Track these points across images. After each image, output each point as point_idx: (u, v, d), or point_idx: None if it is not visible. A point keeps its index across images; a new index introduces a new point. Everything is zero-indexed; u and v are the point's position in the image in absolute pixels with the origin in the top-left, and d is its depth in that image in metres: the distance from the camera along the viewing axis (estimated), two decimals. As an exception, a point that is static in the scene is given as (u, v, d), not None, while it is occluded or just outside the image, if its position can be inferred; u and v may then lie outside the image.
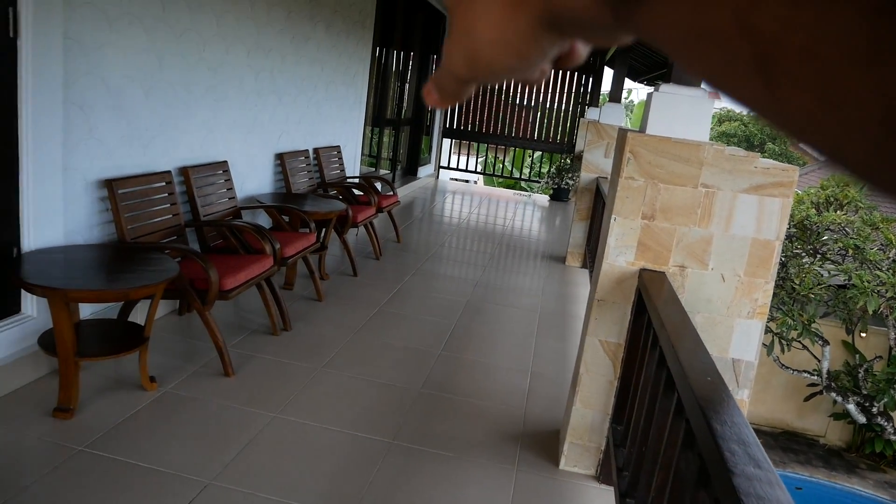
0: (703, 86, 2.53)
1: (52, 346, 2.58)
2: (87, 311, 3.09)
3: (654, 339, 2.16)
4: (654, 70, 8.76)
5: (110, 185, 3.12)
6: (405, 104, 9.91)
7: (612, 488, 2.66)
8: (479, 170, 15.83)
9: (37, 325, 2.86)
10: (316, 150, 5.86)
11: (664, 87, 2.54)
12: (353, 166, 7.12)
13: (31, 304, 2.87)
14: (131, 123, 3.34)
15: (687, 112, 2.48)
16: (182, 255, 3.21)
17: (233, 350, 3.41)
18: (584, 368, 2.70)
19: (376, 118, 8.46)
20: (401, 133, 9.88)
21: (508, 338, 4.24)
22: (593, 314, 2.65)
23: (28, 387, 2.78)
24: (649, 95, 2.55)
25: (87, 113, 3.02)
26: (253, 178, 4.80)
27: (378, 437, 2.80)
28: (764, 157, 2.40)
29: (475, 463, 2.72)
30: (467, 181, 14.89)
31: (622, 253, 2.55)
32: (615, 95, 7.30)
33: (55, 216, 2.90)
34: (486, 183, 15.65)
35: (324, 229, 4.65)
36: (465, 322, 4.38)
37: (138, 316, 3.30)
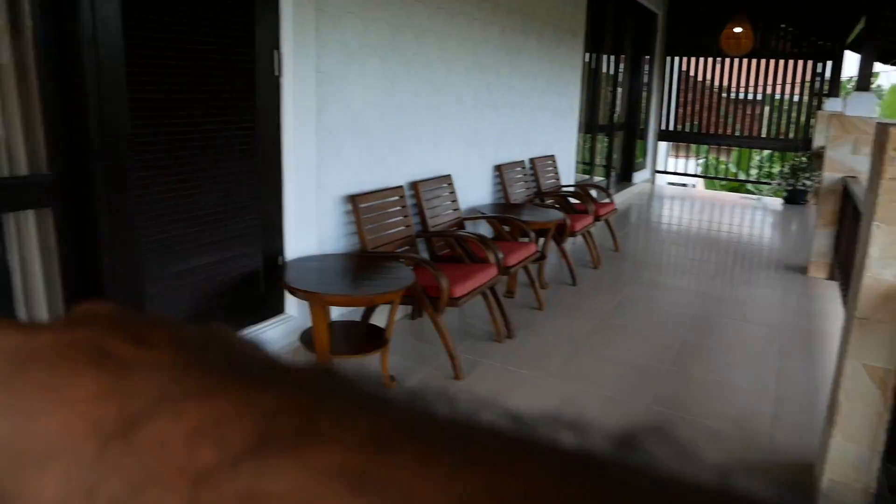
0: None
1: (311, 343, 2.89)
2: (335, 313, 3.42)
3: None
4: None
5: (354, 200, 3.42)
6: (617, 108, 9.65)
7: (885, 536, 2.31)
8: (698, 173, 14.89)
9: (296, 324, 3.22)
10: (531, 160, 5.92)
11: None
12: (568, 174, 7.07)
13: (293, 306, 3.23)
14: (369, 144, 3.63)
15: None
16: (415, 263, 3.41)
17: (461, 355, 3.54)
18: (844, 396, 2.38)
19: (589, 124, 8.33)
20: (614, 138, 9.63)
21: (744, 356, 3.89)
22: (853, 335, 2.32)
23: (289, 381, 3.14)
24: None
25: (334, 136, 3.35)
26: (474, 190, 4.97)
27: (607, 452, 2.72)
28: None
29: (715, 490, 2.52)
30: (686, 185, 14.06)
31: (889, 265, 2.21)
32: (863, 83, 6.40)
33: (310, 229, 3.25)
34: (706, 187, 14.65)
35: (542, 238, 4.67)
36: (694, 337, 4.11)
37: (377, 319, 3.58)
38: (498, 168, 5.26)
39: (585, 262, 5.65)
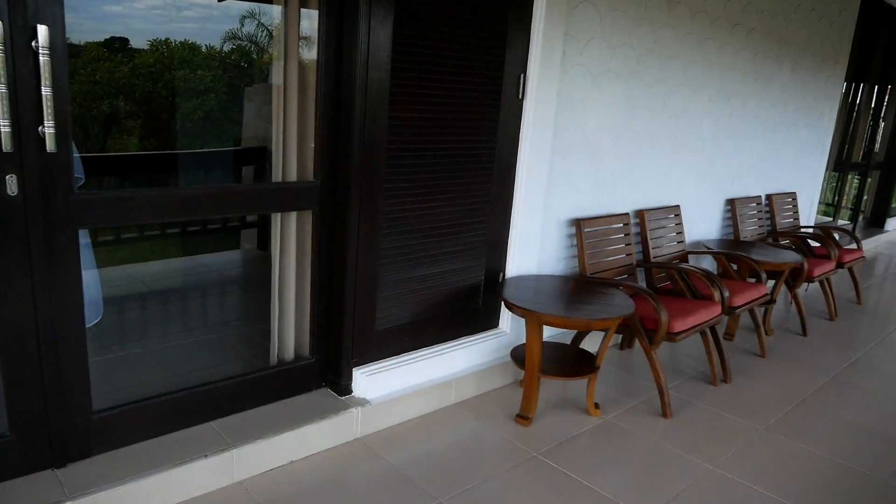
0: None
1: (522, 359, 3.01)
2: (546, 334, 3.51)
3: None
4: None
5: (578, 223, 3.50)
6: (877, 145, 8.59)
7: None
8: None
9: (508, 340, 3.37)
10: (769, 197, 5.53)
11: None
12: (809, 215, 6.48)
13: (506, 321, 3.39)
14: (600, 169, 3.68)
15: None
16: (634, 292, 3.39)
17: (671, 392, 3.44)
18: None
19: (839, 161, 7.54)
20: (868, 178, 8.59)
21: None
22: None
23: (498, 391, 3.30)
24: None
25: (567, 160, 3.45)
26: (701, 223, 4.78)
27: (831, 523, 2.49)
28: None
29: None
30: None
31: None
32: None
33: (532, 248, 3.39)
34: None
35: (773, 281, 4.36)
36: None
37: (587, 345, 3.62)
38: (730, 202, 5.00)
39: (820, 313, 5.14)
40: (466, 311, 3.23)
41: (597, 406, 3.17)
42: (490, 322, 3.37)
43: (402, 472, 2.56)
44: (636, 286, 3.33)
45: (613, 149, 3.74)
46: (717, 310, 3.46)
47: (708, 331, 3.59)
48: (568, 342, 3.52)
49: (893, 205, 9.57)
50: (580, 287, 3.30)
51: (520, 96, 3.15)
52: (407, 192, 2.79)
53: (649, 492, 2.58)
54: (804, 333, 4.58)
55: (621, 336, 4.02)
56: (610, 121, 3.66)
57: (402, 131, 2.70)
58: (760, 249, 4.55)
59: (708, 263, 4.65)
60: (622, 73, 3.64)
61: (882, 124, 8.64)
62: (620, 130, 3.75)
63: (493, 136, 3.08)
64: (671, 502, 2.53)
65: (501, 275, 3.32)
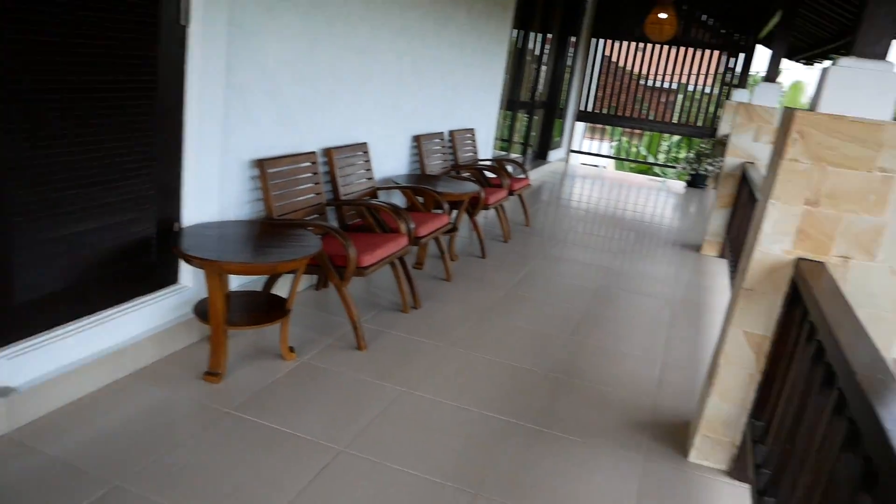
0: (890, 58, 2.28)
1: (206, 314, 2.80)
2: (235, 283, 3.32)
3: (810, 333, 1.99)
4: (817, 46, 8.01)
5: (262, 164, 3.32)
6: (540, 87, 9.77)
7: (744, 485, 2.51)
8: (610, 154, 15.36)
9: (192, 294, 3.11)
10: (451, 133, 5.92)
11: (843, 61, 2.30)
12: (486, 149, 7.13)
13: (188, 276, 3.12)
14: (282, 106, 3.53)
15: (867, 88, 2.24)
16: (324, 232, 3.36)
17: (365, 325, 3.54)
18: (724, 360, 2.54)
19: (511, 101, 8.41)
20: (534, 116, 9.77)
21: (639, 326, 4.08)
22: (739, 304, 2.48)
23: (182, 351, 3.04)
24: (824, 71, 2.32)
25: (244, 96, 3.22)
26: (390, 160, 4.93)
27: (505, 416, 2.80)
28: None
29: (602, 449, 2.65)
30: (597, 166, 14.47)
31: (778, 241, 2.36)
32: (771, 75, 6.75)
33: (212, 194, 3.13)
34: (616, 168, 15.15)
35: (455, 211, 4.71)
36: (594, 308, 4.27)
37: (280, 289, 3.51)
38: (416, 138, 5.23)
39: (497, 236, 5.74)
40: (138, 269, 2.88)
41: (292, 350, 3.11)
42: (168, 278, 3.06)
43: (68, 461, 2.21)
44: (325, 225, 3.29)
45: (296, 85, 3.61)
46: (404, 241, 3.62)
47: (397, 262, 3.74)
48: (260, 289, 3.38)
49: (555, 139, 11.08)
50: (266, 231, 3.16)
51: (183, 22, 2.81)
52: (34, 132, 2.31)
53: (347, 424, 2.62)
54: (483, 256, 5.07)
55: (317, 277, 4.01)
56: (290, 55, 3.50)
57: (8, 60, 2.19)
58: (444, 182, 4.86)
59: (398, 198, 4.84)
60: (301, 3, 3.48)
61: (544, 68, 9.83)
62: (302, 66, 3.62)
63: (153, 69, 2.71)
64: (368, 428, 2.60)
65: (176, 224, 3.02)
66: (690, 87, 11.91)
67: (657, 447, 2.72)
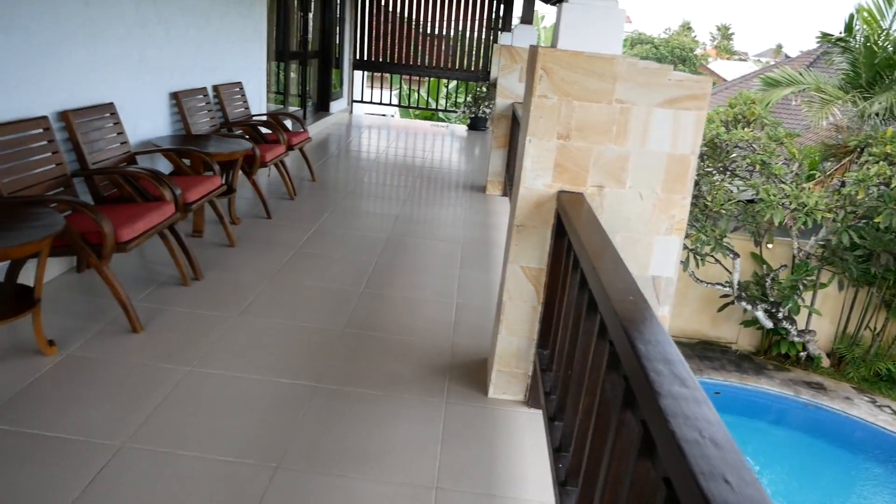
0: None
1: (-76, 317, 2.32)
2: (-35, 276, 2.79)
3: (576, 262, 2.13)
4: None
5: (-25, 134, 2.78)
6: (310, 36, 9.41)
7: (541, 412, 2.69)
8: (394, 102, 15.44)
9: None
10: (216, 88, 5.48)
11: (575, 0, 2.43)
12: (259, 103, 6.73)
13: None
14: (-7, 63, 2.96)
15: (599, 25, 2.39)
16: (70, 207, 2.93)
17: (141, 304, 3.20)
18: (508, 296, 2.67)
19: (280, 52, 8.00)
20: (308, 67, 9.42)
21: (431, 271, 4.18)
22: (513, 241, 2.60)
23: None
24: (559, 8, 2.44)
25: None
26: (147, 121, 4.43)
27: (302, 381, 2.70)
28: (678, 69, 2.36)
29: (403, 399, 2.68)
30: (384, 115, 14.49)
31: (539, 176, 2.49)
32: (527, 17, 7.14)
33: (-89, 173, 2.57)
34: (402, 116, 15.31)
35: (231, 171, 4.39)
36: (387, 258, 4.28)
37: (28, 277, 3.03)
38: (175, 96, 4.75)
39: (282, 195, 5.50)
40: None
41: (52, 343, 2.71)
42: None
43: None
44: (69, 199, 2.87)
45: (3, 38, 3.03)
46: (171, 209, 3.29)
47: (167, 232, 3.41)
48: (2, 279, 2.88)
49: (335, 89, 10.83)
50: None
51: None
52: None
53: (127, 416, 2.35)
54: (268, 216, 4.83)
55: (76, 258, 3.52)
56: (-9, 1, 2.92)
57: None
58: (214, 142, 4.50)
59: (164, 164, 4.39)
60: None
61: (311, 15, 9.45)
62: (7, 17, 3.04)
63: None
64: (151, 417, 2.36)
65: None
66: (461, 33, 12.27)
67: (458, 388, 2.80)
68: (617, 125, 2.39)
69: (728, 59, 44.71)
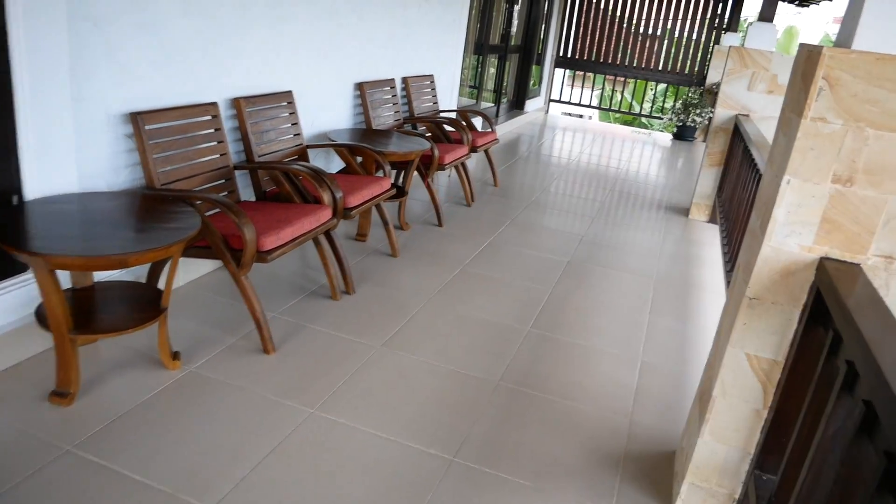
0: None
1: (46, 318, 2.13)
2: (103, 274, 2.62)
3: (848, 366, 1.37)
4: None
5: (136, 119, 2.60)
6: (514, 29, 8.93)
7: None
8: (594, 104, 14.54)
9: (49, 284, 2.42)
10: (405, 80, 5.17)
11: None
12: (450, 98, 6.38)
13: (42, 261, 2.43)
14: (166, 45, 2.78)
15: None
16: (219, 206, 2.67)
17: (280, 318, 2.89)
18: (721, 390, 1.93)
19: (479, 44, 7.60)
20: (507, 62, 8.96)
21: (614, 313, 3.46)
22: (740, 318, 1.85)
23: (34, 360, 2.38)
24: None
25: (102, 30, 2.48)
26: (327, 112, 4.19)
27: (435, 450, 2.19)
28: None
29: (555, 498, 2.05)
30: (581, 116, 13.68)
31: (795, 233, 1.72)
32: (767, 14, 6.02)
33: (66, 157, 2.42)
34: (601, 119, 14.37)
35: (405, 172, 4.02)
36: (563, 289, 3.64)
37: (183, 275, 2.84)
38: (359, 86, 4.48)
39: (460, 200, 5.07)
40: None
41: (176, 356, 2.46)
42: (10, 267, 2.37)
43: None
44: (215, 198, 2.59)
45: (185, 17, 2.85)
46: (327, 214, 2.94)
47: (323, 238, 3.08)
48: (144, 279, 2.70)
49: (533, 87, 10.29)
50: (140, 206, 2.47)
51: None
52: None
53: (230, 464, 2.00)
54: (440, 224, 4.40)
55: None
56: (172, -22, 2.74)
57: None
58: (391, 139, 4.16)
59: (337, 161, 4.13)
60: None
61: (517, 8, 8.97)
62: (186, -4, 2.85)
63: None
64: (256, 470, 1.98)
65: (16, 197, 2.32)
66: (677, 33, 11.10)
67: (631, 493, 2.13)
68: (942, 172, 1.56)
69: None
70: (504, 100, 9.15)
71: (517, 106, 9.72)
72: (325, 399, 2.37)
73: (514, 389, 2.61)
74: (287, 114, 3.59)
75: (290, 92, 3.62)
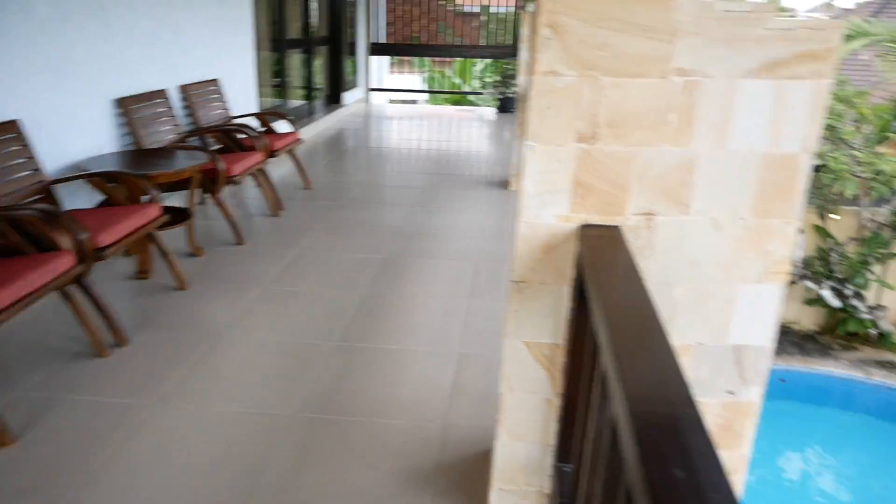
0: None
1: None
2: None
3: (595, 347, 1.20)
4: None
5: None
6: (315, 20, 8.53)
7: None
8: (419, 88, 14.45)
9: None
10: (183, 89, 4.65)
11: None
12: (248, 102, 5.90)
13: None
14: None
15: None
16: None
17: (28, 396, 2.39)
18: (507, 386, 1.73)
19: (276, 40, 7.14)
20: (314, 55, 8.54)
21: (431, 306, 3.24)
22: (513, 305, 1.66)
23: None
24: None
25: None
26: (82, 137, 3.62)
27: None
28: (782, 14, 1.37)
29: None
30: (415, 102, 13.56)
31: (548, 202, 1.54)
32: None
33: None
34: (430, 102, 14.30)
35: (186, 192, 3.55)
36: (376, 291, 3.37)
37: None
38: (121, 102, 3.93)
39: (263, 211, 4.65)
40: None
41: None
42: None
43: None
44: None
45: None
46: (66, 263, 2.45)
47: (71, 289, 2.59)
48: None
49: (350, 78, 9.95)
50: None
51: None
52: None
53: None
54: (239, 242, 3.97)
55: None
56: None
57: None
58: (165, 158, 3.67)
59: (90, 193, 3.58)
60: None
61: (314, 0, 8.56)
62: None
63: None
64: None
65: None
66: (493, 8, 11.19)
67: (442, 512, 1.90)
68: (677, 113, 1.42)
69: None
70: (318, 95, 8.75)
71: (334, 100, 9.34)
72: (77, 482, 1.94)
73: (313, 419, 2.30)
74: (16, 148, 3.02)
75: (14, 122, 3.04)
